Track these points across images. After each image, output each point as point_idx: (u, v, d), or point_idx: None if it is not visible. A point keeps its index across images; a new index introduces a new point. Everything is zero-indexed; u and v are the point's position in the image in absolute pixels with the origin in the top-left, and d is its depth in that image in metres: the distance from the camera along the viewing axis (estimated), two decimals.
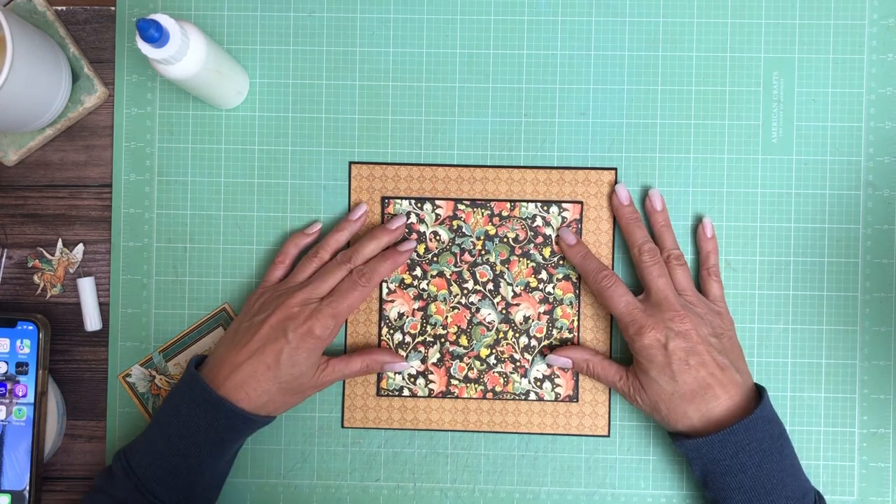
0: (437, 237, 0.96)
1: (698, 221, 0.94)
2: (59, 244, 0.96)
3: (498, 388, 0.96)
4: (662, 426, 0.91)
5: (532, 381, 0.96)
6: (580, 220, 0.95)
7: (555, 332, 0.95)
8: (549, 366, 0.95)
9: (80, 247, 0.96)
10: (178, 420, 0.85)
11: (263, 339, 0.87)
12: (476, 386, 0.96)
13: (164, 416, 0.86)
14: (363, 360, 0.92)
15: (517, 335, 0.96)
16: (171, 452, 0.85)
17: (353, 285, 0.89)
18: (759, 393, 0.89)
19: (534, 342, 0.96)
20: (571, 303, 0.96)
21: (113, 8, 0.97)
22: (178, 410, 0.86)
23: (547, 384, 0.96)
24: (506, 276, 0.96)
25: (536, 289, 0.95)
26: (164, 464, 0.85)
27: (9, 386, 0.91)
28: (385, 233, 0.93)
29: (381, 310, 0.96)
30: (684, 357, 0.86)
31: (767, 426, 0.85)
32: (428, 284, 0.96)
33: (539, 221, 0.95)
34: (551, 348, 0.96)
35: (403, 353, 0.96)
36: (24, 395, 0.92)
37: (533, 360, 0.96)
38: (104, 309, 0.97)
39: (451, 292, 0.96)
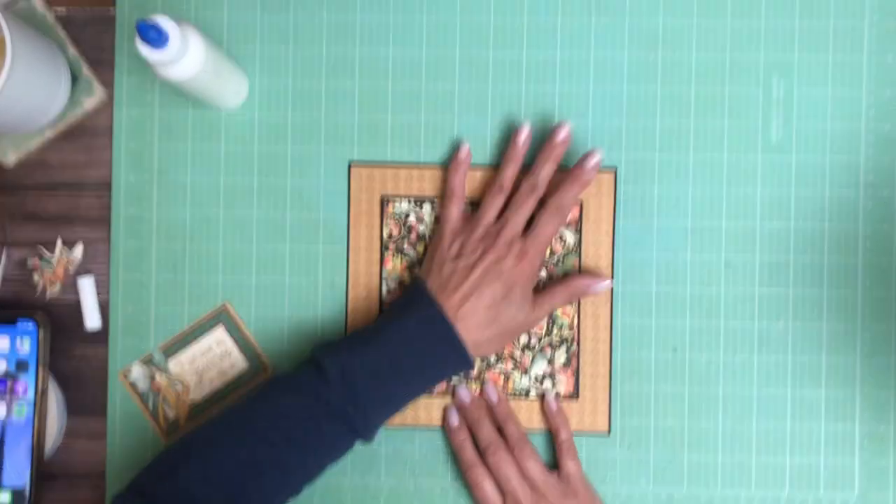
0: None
1: (542, 398, 0.96)
2: (59, 244, 0.96)
3: (498, 386, 0.96)
4: None
5: (532, 378, 0.96)
6: (580, 220, 0.95)
7: (555, 330, 0.96)
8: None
9: (80, 246, 0.96)
10: (412, 350, 0.87)
11: (478, 283, 0.87)
12: (476, 384, 0.96)
13: (396, 342, 0.87)
14: (566, 289, 0.92)
15: None
16: (396, 380, 0.87)
17: (550, 217, 0.89)
18: None
19: (534, 340, 0.96)
20: (571, 302, 0.96)
21: (112, 10, 0.96)
22: (413, 343, 0.87)
23: (547, 382, 0.96)
24: None
25: (536, 289, 0.95)
26: (385, 391, 0.87)
27: (9, 384, 0.92)
28: (556, 149, 0.91)
29: (381, 309, 0.96)
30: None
31: None
32: None
33: None
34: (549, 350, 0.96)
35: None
36: (25, 393, 0.92)
37: (533, 357, 0.96)
38: (104, 308, 0.97)
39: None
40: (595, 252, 0.95)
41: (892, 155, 0.94)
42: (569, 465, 0.93)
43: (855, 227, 0.94)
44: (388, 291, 0.96)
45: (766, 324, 0.95)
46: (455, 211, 0.93)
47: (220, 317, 0.96)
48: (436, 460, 0.96)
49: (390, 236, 0.96)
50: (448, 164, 0.95)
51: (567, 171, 0.91)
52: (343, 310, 0.96)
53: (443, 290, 0.87)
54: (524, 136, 0.92)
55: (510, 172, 0.92)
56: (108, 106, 0.96)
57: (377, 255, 0.96)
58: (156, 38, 0.76)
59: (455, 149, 0.95)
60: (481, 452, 0.92)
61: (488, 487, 0.91)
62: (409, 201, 0.96)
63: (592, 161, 0.90)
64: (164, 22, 0.78)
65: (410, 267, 0.96)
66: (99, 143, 0.97)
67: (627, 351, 0.95)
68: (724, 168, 0.95)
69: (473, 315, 0.87)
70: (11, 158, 0.95)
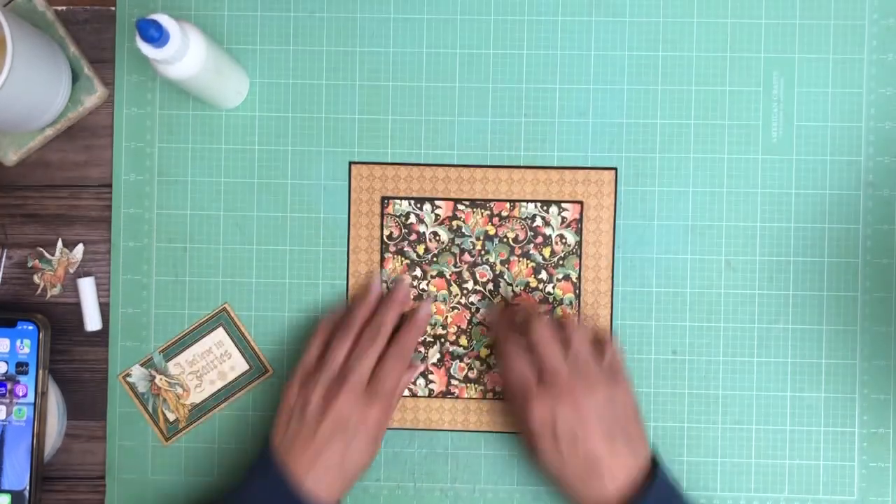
0: (437, 237, 0.96)
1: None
2: (59, 244, 0.96)
3: (498, 389, 0.96)
4: (498, 444, 0.94)
5: None
6: (580, 220, 0.95)
7: None
8: None
9: (80, 247, 0.96)
10: None
11: (325, 441, 0.85)
12: (476, 386, 0.96)
13: None
14: (395, 402, 0.92)
15: None
16: None
17: (394, 363, 0.89)
18: (654, 462, 0.88)
19: None
20: (571, 303, 0.96)
21: (113, 8, 0.96)
22: None
23: None
24: (505, 277, 0.96)
25: (536, 289, 0.95)
26: None
27: (9, 386, 0.92)
28: (397, 303, 0.93)
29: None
30: (571, 438, 0.84)
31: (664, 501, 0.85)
32: (428, 285, 0.96)
33: (539, 221, 0.95)
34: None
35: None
36: (25, 395, 0.92)
37: None
38: (104, 309, 0.97)
39: (450, 292, 0.96)
40: (595, 252, 0.95)
41: (892, 155, 0.94)
42: (609, 353, 0.90)
43: (855, 227, 0.94)
44: (389, 291, 0.96)
45: (766, 325, 0.95)
46: (314, 351, 0.91)
47: (220, 318, 0.96)
48: (436, 462, 0.96)
49: (390, 236, 0.96)
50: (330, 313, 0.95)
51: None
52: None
53: (290, 449, 0.86)
54: (376, 284, 0.95)
55: (360, 317, 0.92)
56: (108, 105, 0.96)
57: (377, 256, 0.96)
58: (156, 36, 0.76)
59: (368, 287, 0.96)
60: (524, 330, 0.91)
61: (523, 360, 0.88)
62: (409, 201, 0.96)
63: (424, 310, 0.93)
64: (165, 20, 0.77)
65: (411, 267, 0.96)
66: (99, 143, 0.97)
67: (627, 352, 0.95)
68: (724, 168, 0.95)
69: (324, 475, 0.85)
70: (12, 157, 0.95)
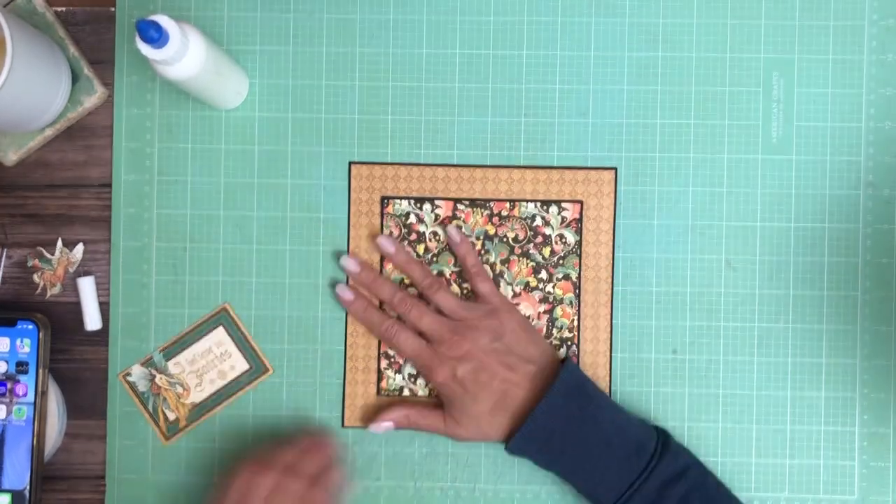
0: (437, 237, 0.96)
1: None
2: (59, 244, 0.96)
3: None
4: (498, 444, 0.93)
5: None
6: (580, 220, 0.95)
7: (555, 331, 0.95)
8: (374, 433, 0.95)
9: (80, 246, 0.96)
10: None
11: None
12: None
13: None
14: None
15: None
16: None
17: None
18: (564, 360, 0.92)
19: None
20: (571, 302, 0.96)
21: (112, 9, 0.96)
22: None
23: None
24: (505, 276, 0.96)
25: (536, 288, 0.95)
26: None
27: (9, 385, 0.92)
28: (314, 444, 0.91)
29: (381, 309, 0.96)
30: (474, 378, 0.88)
31: (570, 399, 0.88)
32: None
33: (539, 221, 0.95)
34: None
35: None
36: (25, 395, 0.92)
37: None
38: (104, 309, 0.97)
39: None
40: (595, 252, 0.95)
41: (892, 154, 0.94)
42: (481, 285, 0.93)
43: (855, 227, 0.94)
44: None
45: (766, 325, 0.95)
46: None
47: (220, 318, 0.96)
48: (436, 462, 0.96)
49: (390, 236, 0.96)
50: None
51: None
52: (343, 310, 0.96)
53: None
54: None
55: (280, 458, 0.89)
56: (108, 105, 0.96)
57: (377, 256, 0.96)
58: (156, 36, 0.76)
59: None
60: (389, 308, 0.93)
61: (406, 336, 0.91)
62: (409, 201, 0.96)
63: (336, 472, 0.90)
64: (164, 21, 0.77)
65: None
66: (99, 143, 0.97)
67: (627, 352, 0.95)
68: (724, 168, 0.95)
69: None
70: (12, 157, 0.95)
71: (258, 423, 0.96)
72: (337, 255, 0.96)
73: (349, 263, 0.94)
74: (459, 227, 0.95)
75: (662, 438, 0.89)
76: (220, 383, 0.96)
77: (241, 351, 0.96)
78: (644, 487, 0.86)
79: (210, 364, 0.96)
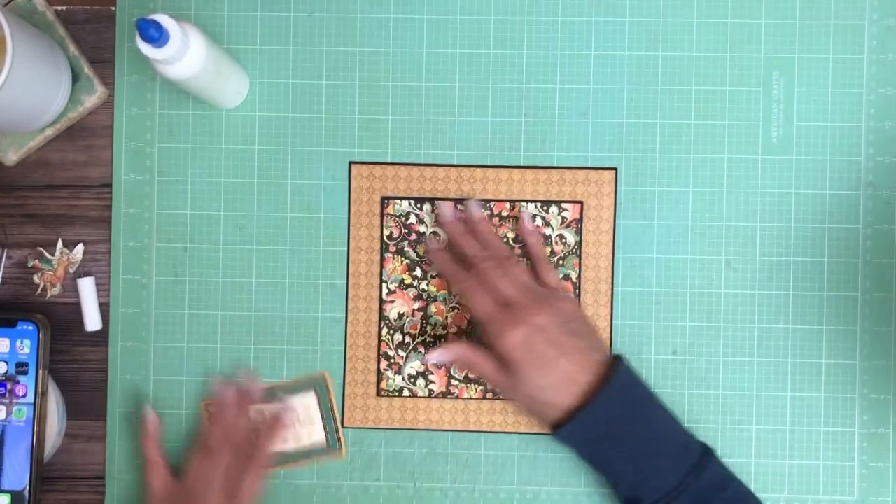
0: (437, 237, 0.96)
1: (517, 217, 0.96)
2: (59, 244, 0.96)
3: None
4: (540, 422, 0.93)
5: None
6: (580, 220, 0.95)
7: None
8: (422, 364, 0.95)
9: (80, 247, 0.96)
10: None
11: None
12: (476, 386, 0.96)
13: None
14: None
15: None
16: None
17: (252, 479, 0.92)
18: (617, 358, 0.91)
19: None
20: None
21: (113, 8, 0.97)
22: None
23: None
24: None
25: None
26: None
27: (9, 386, 0.91)
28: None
29: (380, 310, 0.96)
30: (544, 350, 0.86)
31: (630, 391, 0.88)
32: (428, 285, 0.96)
33: (539, 221, 0.95)
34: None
35: (403, 354, 0.96)
36: (24, 396, 0.92)
37: None
38: (104, 309, 0.97)
39: (451, 293, 0.96)
40: (595, 252, 0.95)
41: (892, 155, 0.94)
42: (549, 275, 0.93)
43: (855, 227, 0.94)
44: (389, 292, 0.96)
45: (766, 325, 0.95)
46: (157, 481, 0.93)
47: (316, 384, 0.96)
48: (436, 462, 0.96)
49: (390, 237, 0.96)
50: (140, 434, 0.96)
51: None
52: (343, 310, 0.96)
53: None
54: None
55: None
56: (108, 105, 0.97)
57: (377, 256, 0.96)
58: (156, 36, 0.76)
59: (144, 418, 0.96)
60: (469, 266, 0.92)
61: (482, 294, 0.89)
62: (409, 201, 0.96)
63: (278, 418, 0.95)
64: (165, 20, 0.78)
65: (410, 267, 0.96)
66: (99, 143, 0.97)
67: (627, 352, 0.95)
68: (724, 168, 0.95)
69: None
70: (12, 157, 0.95)
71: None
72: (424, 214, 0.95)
73: (447, 211, 0.94)
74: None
75: (705, 445, 0.89)
76: (292, 446, 0.96)
77: (324, 424, 0.96)
78: (693, 486, 0.85)
79: (290, 423, 0.96)
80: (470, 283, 0.90)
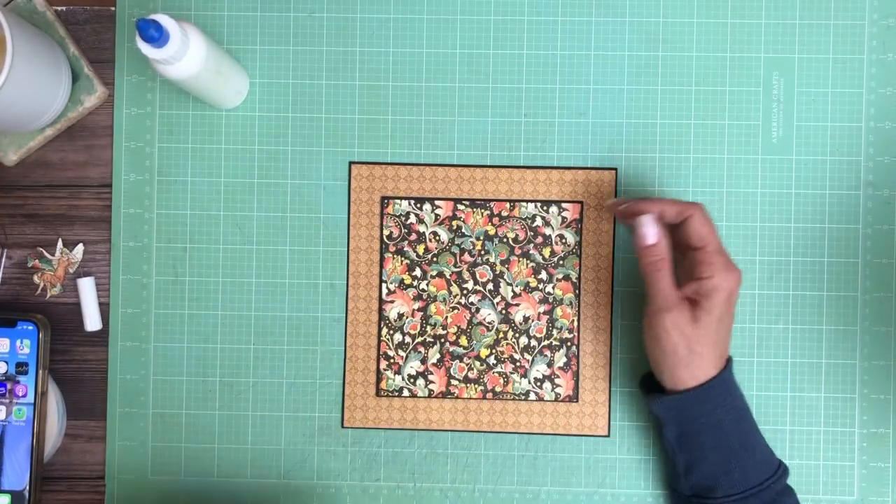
0: (437, 237, 0.96)
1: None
2: (59, 244, 0.96)
3: (498, 389, 0.96)
4: (656, 368, 0.88)
5: (532, 381, 0.96)
6: (580, 220, 0.95)
7: (555, 332, 0.96)
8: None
9: (80, 247, 0.96)
10: None
11: None
12: (476, 386, 0.96)
13: None
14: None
15: (517, 335, 0.96)
16: None
17: None
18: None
19: (533, 342, 0.96)
20: (571, 303, 0.96)
21: (113, 8, 0.97)
22: None
23: (547, 384, 0.96)
24: (505, 277, 0.96)
25: (536, 289, 0.96)
26: None
27: (9, 386, 0.91)
28: None
29: (380, 310, 0.96)
30: (730, 314, 0.85)
31: (737, 387, 0.87)
32: (428, 285, 0.96)
33: (539, 221, 0.95)
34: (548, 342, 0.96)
35: (403, 354, 0.96)
36: (24, 395, 0.92)
37: (533, 360, 0.96)
38: (104, 309, 0.97)
39: (450, 293, 0.96)
40: (595, 252, 0.95)
41: (892, 155, 0.94)
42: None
43: (855, 227, 0.94)
44: (389, 292, 0.96)
45: (766, 325, 0.95)
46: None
47: None
48: (436, 462, 0.96)
49: (390, 236, 0.96)
50: None
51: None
52: (343, 310, 0.96)
53: None
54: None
55: None
56: (108, 105, 0.97)
57: (377, 256, 0.96)
58: (156, 36, 0.76)
59: None
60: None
61: (712, 223, 0.85)
62: (409, 201, 0.96)
63: None
64: (165, 20, 0.78)
65: (410, 267, 0.96)
66: (99, 143, 0.97)
67: (627, 352, 0.95)
68: (724, 168, 0.95)
69: None
70: (12, 157, 0.95)
71: (258, 423, 0.96)
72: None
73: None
74: (461, 231, 0.95)
75: (784, 471, 0.88)
76: None
77: None
78: (768, 490, 0.85)
79: None
80: (701, 206, 0.86)
